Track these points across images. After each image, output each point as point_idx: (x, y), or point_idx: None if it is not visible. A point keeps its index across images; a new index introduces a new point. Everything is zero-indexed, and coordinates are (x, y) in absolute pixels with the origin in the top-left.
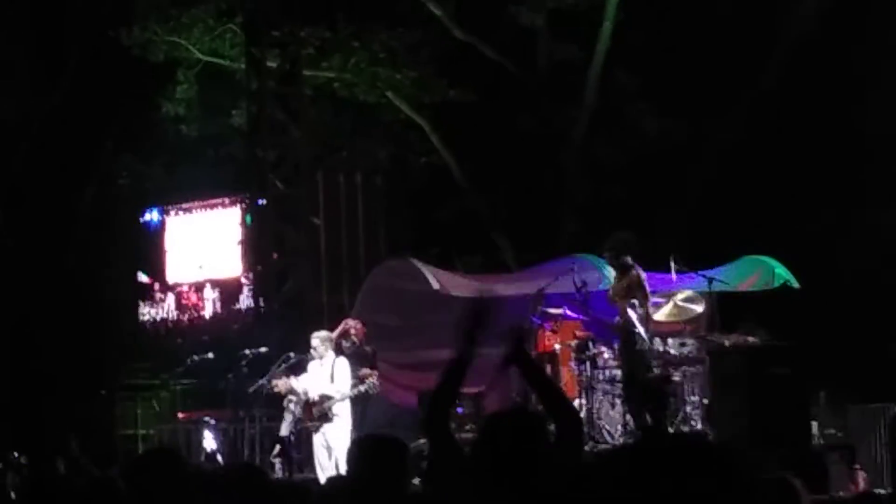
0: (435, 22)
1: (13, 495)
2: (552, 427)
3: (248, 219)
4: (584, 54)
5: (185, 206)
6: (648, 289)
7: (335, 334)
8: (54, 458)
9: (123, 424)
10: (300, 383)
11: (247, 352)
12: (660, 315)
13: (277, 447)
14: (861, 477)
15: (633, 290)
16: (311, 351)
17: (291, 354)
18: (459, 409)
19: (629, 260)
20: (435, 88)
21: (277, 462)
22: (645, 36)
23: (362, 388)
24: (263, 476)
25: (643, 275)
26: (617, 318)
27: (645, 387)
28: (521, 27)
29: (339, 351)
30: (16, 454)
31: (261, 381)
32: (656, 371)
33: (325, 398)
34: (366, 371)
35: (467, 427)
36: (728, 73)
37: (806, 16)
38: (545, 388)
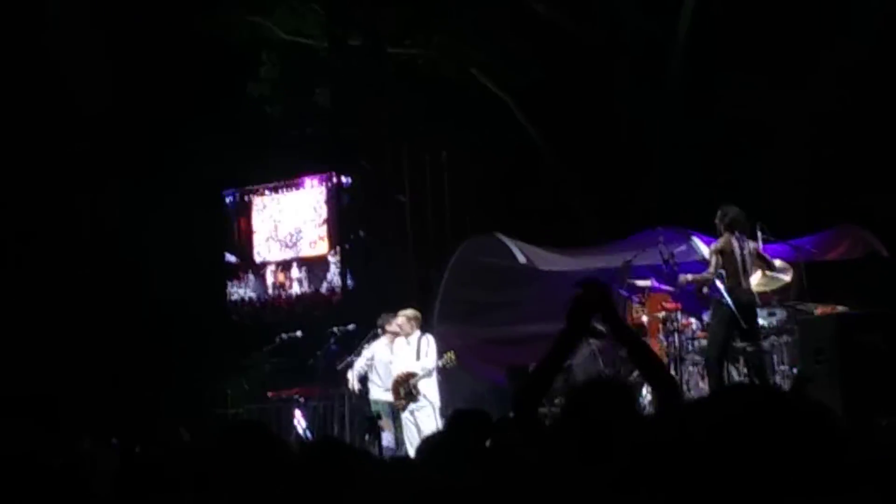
0: None
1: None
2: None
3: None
4: (670, 29)
5: (270, 185)
6: None
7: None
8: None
9: (213, 404)
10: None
11: (335, 329)
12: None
13: (368, 425)
14: None
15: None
16: (398, 329)
17: (379, 331)
18: None
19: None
20: (519, 65)
21: (368, 439)
22: (731, 9)
23: (439, 362)
24: (347, 450)
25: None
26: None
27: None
28: (607, 3)
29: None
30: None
31: (349, 358)
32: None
33: (409, 375)
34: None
35: (556, 401)
36: (818, 40)
37: None
38: (635, 345)
